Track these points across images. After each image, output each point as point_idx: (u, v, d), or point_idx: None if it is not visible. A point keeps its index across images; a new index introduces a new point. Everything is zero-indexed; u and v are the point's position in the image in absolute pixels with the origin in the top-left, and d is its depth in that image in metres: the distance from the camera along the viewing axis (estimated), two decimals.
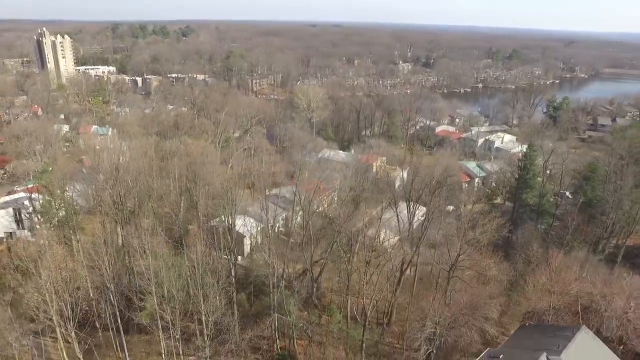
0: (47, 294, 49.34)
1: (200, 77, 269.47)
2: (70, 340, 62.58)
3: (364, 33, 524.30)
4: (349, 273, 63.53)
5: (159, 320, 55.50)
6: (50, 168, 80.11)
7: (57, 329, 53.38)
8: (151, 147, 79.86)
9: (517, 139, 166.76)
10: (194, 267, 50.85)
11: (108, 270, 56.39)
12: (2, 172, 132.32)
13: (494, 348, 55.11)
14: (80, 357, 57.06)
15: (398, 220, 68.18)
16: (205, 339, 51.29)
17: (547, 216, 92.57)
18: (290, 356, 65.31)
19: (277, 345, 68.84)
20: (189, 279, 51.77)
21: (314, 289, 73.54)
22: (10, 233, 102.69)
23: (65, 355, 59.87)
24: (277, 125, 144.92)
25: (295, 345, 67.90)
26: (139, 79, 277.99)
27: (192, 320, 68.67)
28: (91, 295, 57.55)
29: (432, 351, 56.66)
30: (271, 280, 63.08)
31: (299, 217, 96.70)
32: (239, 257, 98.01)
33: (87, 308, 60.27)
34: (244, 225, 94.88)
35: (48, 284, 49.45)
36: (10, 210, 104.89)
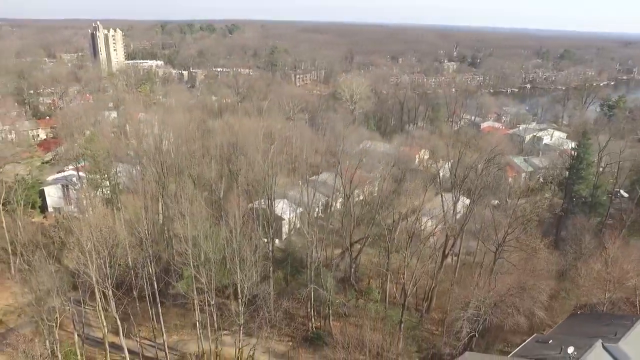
0: (87, 251, 49.85)
1: (245, 71, 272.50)
2: (108, 307, 63.61)
3: (409, 32, 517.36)
4: (389, 250, 61.39)
5: (194, 288, 55.28)
6: (96, 137, 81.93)
7: (96, 288, 53.85)
8: (194, 121, 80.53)
9: (567, 137, 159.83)
10: (232, 232, 50.23)
11: (147, 234, 56.83)
12: (54, 153, 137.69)
13: (541, 334, 51.97)
14: (118, 321, 57.61)
15: (442, 202, 65.45)
16: (240, 305, 50.48)
17: (600, 208, 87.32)
18: (325, 335, 63.91)
19: (312, 324, 67.65)
20: (225, 244, 51.19)
21: (352, 270, 71.85)
22: (59, 209, 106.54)
23: (103, 319, 60.68)
24: (319, 114, 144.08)
25: (331, 324, 66.50)
26: (185, 72, 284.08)
27: (227, 297, 68.64)
28: (129, 257, 57.88)
29: (475, 335, 53.92)
30: (309, 253, 61.80)
31: (338, 204, 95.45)
32: (277, 240, 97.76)
33: (124, 269, 60.93)
34: (283, 208, 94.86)
35: (88, 241, 50.01)
36: (59, 186, 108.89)
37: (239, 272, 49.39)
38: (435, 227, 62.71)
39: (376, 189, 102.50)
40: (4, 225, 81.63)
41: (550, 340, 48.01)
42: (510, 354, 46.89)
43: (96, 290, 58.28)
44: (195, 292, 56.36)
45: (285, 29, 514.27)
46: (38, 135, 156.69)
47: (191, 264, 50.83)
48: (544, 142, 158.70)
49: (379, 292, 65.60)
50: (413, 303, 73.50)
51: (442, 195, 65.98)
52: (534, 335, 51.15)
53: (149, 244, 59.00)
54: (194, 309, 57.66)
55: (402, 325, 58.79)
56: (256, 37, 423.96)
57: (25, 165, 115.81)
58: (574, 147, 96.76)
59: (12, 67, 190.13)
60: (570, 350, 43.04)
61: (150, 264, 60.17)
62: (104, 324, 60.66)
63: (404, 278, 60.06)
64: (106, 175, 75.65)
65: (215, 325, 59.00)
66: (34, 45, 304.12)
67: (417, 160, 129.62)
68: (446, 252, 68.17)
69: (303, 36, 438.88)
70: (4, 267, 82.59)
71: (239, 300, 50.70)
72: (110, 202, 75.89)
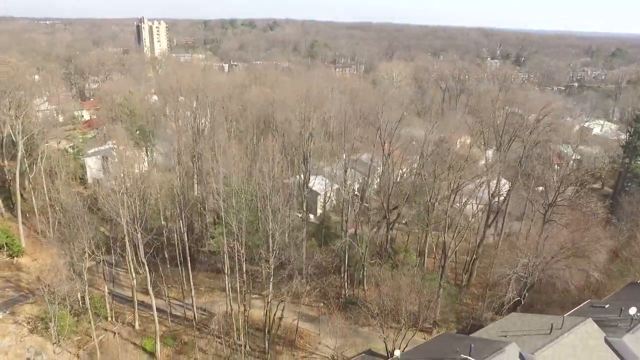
0: (118, 193, 49.13)
1: (285, 64, 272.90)
2: (140, 268, 63.39)
3: (450, 31, 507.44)
4: (430, 209, 57.96)
5: (225, 243, 53.66)
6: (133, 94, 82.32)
7: (125, 230, 53.12)
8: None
9: (619, 128, 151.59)
10: (264, 177, 48.26)
11: (180, 187, 55.94)
12: (97, 132, 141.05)
13: (596, 300, 47.53)
14: (146, 268, 56.86)
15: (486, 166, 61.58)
16: (271, 255, 48.34)
17: None
18: (358, 301, 61.15)
19: (345, 291, 65.09)
20: (257, 188, 49.26)
21: (388, 237, 68.72)
22: (98, 180, 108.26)
23: (132, 270, 60.22)
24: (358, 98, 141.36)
25: (365, 291, 63.80)
26: (226, 65, 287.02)
27: (257, 263, 67.08)
28: (160, 205, 57.11)
29: (520, 300, 49.96)
30: (343, 220, 59.42)
31: (375, 184, 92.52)
32: (311, 216, 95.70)
33: (156, 222, 60.34)
34: (319, 184, 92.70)
35: (121, 183, 49.36)
36: (99, 159, 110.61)
37: (270, 218, 47.24)
38: (480, 185, 58.63)
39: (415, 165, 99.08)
40: (45, 191, 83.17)
41: (607, 305, 43.74)
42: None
43: (126, 239, 57.86)
44: (225, 248, 54.84)
45: (326, 27, 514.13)
46: (82, 116, 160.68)
47: (222, 209, 49.13)
48: (594, 132, 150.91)
49: (417, 256, 62.31)
50: (452, 277, 69.93)
51: (486, 160, 62.03)
52: (587, 301, 46.84)
53: (181, 198, 58.26)
54: (224, 264, 56.05)
55: (441, 291, 55.36)
56: (296, 33, 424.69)
57: (69, 141, 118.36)
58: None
59: (62, 56, 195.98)
60: (633, 311, 38.90)
61: (182, 218, 59.30)
62: (133, 275, 60.16)
63: (444, 237, 56.43)
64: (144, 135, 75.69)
65: (245, 286, 57.19)
66: (83, 39, 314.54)
67: (458, 144, 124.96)
68: (489, 223, 64.20)
69: (343, 33, 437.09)
70: (46, 230, 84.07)
71: (269, 248, 48.54)
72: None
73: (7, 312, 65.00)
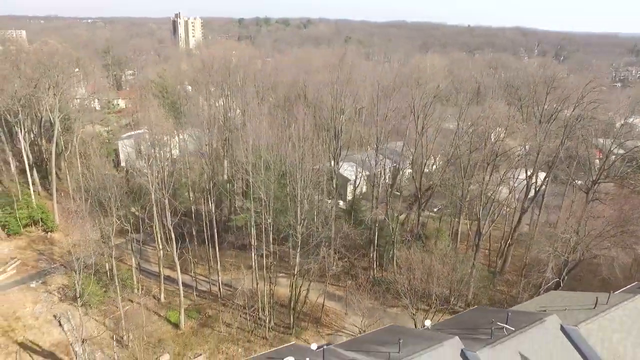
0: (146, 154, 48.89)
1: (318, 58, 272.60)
2: (168, 246, 63.41)
3: (486, 30, 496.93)
4: (465, 192, 55.67)
5: (252, 210, 52.74)
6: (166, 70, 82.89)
7: (153, 198, 52.99)
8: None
9: None
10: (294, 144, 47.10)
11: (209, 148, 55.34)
12: (131, 119, 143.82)
13: None
14: (175, 252, 56.71)
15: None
16: (298, 224, 47.06)
17: None
18: (387, 282, 59.34)
19: (374, 272, 63.34)
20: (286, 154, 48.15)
21: (419, 220, 66.55)
22: (131, 164, 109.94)
23: (159, 240, 60.20)
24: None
25: (395, 273, 61.81)
26: (259, 61, 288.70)
27: (284, 243, 66.15)
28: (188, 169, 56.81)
29: (560, 281, 47.11)
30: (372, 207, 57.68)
31: (407, 173, 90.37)
32: (341, 202, 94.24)
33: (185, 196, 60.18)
34: (349, 170, 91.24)
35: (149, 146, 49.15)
36: (132, 141, 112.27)
37: (299, 183, 45.90)
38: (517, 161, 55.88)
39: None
40: (79, 170, 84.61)
41: None
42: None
43: (155, 211, 57.88)
44: (253, 218, 54.01)
45: (360, 25, 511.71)
46: (118, 104, 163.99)
47: (250, 174, 48.22)
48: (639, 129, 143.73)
49: (449, 235, 59.97)
50: (485, 264, 67.23)
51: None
52: (634, 284, 43.64)
53: (210, 170, 57.90)
54: (251, 235, 55.19)
55: (474, 272, 52.94)
56: (330, 31, 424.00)
57: (104, 125, 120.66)
58: None
59: (101, 47, 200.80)
60: None
61: (211, 194, 59.02)
62: (160, 246, 60.17)
63: (478, 214, 53.97)
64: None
65: (271, 257, 56.16)
66: (121, 35, 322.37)
67: (492, 137, 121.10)
68: (525, 207, 61.24)
69: (377, 30, 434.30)
70: (78, 207, 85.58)
71: (297, 218, 47.29)
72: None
73: (40, 281, 66.25)
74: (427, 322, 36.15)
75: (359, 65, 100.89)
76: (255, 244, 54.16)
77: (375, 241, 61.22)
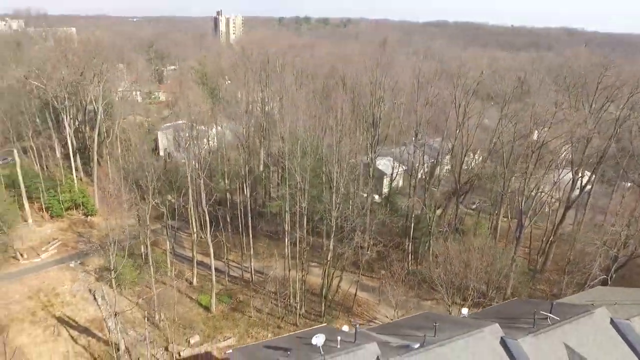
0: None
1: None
2: (202, 234, 63.86)
3: (532, 29, 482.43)
4: (506, 184, 53.34)
5: (287, 192, 52.15)
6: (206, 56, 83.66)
7: (190, 184, 53.23)
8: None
9: None
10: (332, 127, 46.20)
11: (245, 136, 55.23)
12: (171, 111, 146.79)
13: None
14: (209, 241, 56.88)
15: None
16: (333, 206, 46.04)
17: None
18: (422, 273, 57.59)
19: (408, 264, 61.70)
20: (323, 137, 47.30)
21: (457, 213, 64.41)
22: (169, 153, 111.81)
23: (193, 223, 60.57)
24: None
25: (430, 266, 60.00)
26: (298, 47, 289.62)
27: (319, 234, 65.41)
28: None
29: (608, 279, 44.34)
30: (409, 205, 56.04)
31: (445, 170, 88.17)
32: (376, 196, 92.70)
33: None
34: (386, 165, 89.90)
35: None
36: (171, 132, 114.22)
37: (335, 167, 44.93)
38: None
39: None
40: (120, 158, 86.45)
41: None
42: None
43: (190, 194, 58.24)
44: (287, 208, 53.52)
45: (400, 25, 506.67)
46: (159, 97, 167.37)
47: (286, 155, 47.64)
48: None
49: (489, 228, 57.67)
50: (526, 261, 64.46)
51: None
52: None
53: (246, 151, 57.80)
54: (285, 221, 54.63)
55: (514, 266, 50.60)
56: (369, 31, 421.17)
57: (145, 116, 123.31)
58: None
59: (145, 42, 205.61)
60: None
61: (246, 180, 58.93)
62: (194, 228, 60.49)
63: (520, 205, 51.53)
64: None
65: (304, 242, 55.47)
66: (164, 32, 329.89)
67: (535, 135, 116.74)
68: (570, 204, 58.27)
69: (417, 29, 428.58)
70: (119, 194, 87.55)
71: (333, 203, 46.32)
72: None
73: (78, 262, 67.91)
74: (464, 310, 34.54)
75: (398, 59, 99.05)
76: (289, 229, 53.53)
77: (411, 233, 59.56)
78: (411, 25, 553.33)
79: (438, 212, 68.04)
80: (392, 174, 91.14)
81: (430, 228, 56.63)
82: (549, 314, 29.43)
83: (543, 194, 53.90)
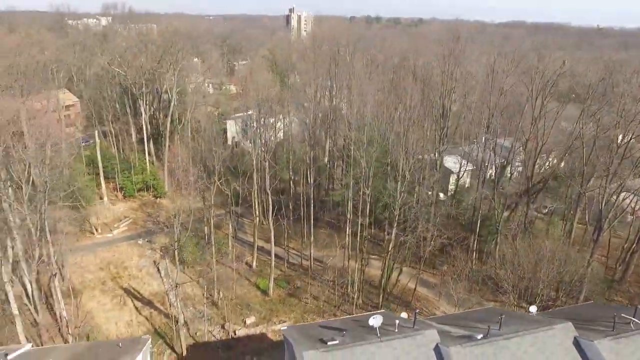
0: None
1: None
2: (264, 220, 64.57)
3: (620, 30, 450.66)
4: (585, 179, 49.54)
5: (351, 177, 51.42)
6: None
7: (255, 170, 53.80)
8: None
9: None
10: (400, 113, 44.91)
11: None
12: (240, 102, 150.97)
13: None
14: (271, 225, 57.35)
15: None
16: (399, 195, 44.75)
17: None
18: (487, 273, 54.86)
19: (472, 263, 59.03)
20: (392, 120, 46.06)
21: (527, 213, 60.62)
22: (237, 142, 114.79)
23: (256, 206, 61.32)
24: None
25: (497, 268, 57.09)
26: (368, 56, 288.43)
27: (381, 227, 64.20)
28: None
29: None
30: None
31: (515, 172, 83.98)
32: (442, 194, 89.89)
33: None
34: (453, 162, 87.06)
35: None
36: (239, 121, 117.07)
37: (402, 156, 43.59)
38: None
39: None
40: (189, 145, 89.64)
41: None
42: None
43: (255, 178, 58.96)
44: (350, 195, 52.88)
45: (475, 25, 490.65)
46: (230, 90, 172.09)
47: (352, 140, 46.95)
48: None
49: (562, 231, 53.86)
50: (602, 267, 59.68)
51: None
52: None
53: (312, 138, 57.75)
54: (348, 210, 53.99)
55: (590, 270, 46.81)
56: (441, 31, 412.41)
57: (216, 107, 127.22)
58: None
59: (219, 40, 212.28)
60: None
61: (310, 165, 58.87)
62: (257, 212, 61.26)
63: (600, 206, 47.58)
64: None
65: (365, 230, 54.54)
66: (237, 29, 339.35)
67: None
68: None
69: (492, 30, 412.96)
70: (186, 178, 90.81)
71: (397, 188, 45.01)
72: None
73: (146, 240, 70.89)
74: (532, 308, 32.24)
75: (472, 53, 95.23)
76: (351, 217, 52.84)
77: (477, 229, 56.89)
78: (486, 25, 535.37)
79: (506, 214, 64.72)
80: (459, 172, 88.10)
81: (498, 225, 53.71)
82: (633, 319, 26.71)
83: (626, 199, 49.49)
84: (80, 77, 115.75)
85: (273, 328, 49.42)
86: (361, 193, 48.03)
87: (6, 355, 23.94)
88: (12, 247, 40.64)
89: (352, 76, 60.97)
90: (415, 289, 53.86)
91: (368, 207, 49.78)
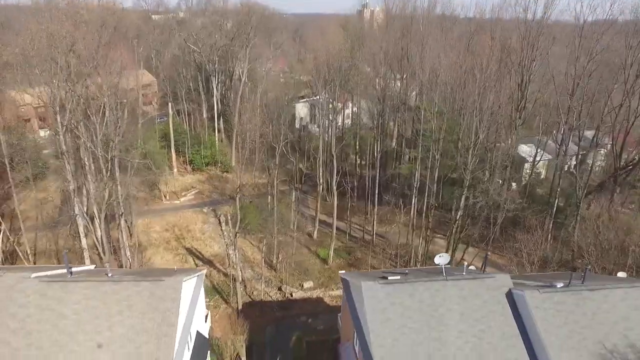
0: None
1: None
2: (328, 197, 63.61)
3: None
4: None
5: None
6: None
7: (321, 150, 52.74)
8: None
9: None
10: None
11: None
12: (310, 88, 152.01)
13: None
14: (334, 198, 56.32)
15: None
16: (470, 159, 41.99)
17: None
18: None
19: (547, 244, 54.51)
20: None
21: (612, 199, 55.08)
22: (304, 126, 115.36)
23: (320, 175, 60.49)
24: None
25: (575, 249, 52.45)
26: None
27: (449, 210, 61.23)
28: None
29: None
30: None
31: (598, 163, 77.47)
32: (514, 184, 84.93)
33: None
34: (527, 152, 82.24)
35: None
36: (307, 105, 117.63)
37: (477, 118, 40.75)
38: None
39: None
40: (258, 123, 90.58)
41: None
42: None
43: (320, 160, 57.99)
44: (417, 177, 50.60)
45: None
46: (300, 78, 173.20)
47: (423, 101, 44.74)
48: None
49: None
50: None
51: None
52: None
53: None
54: (414, 186, 51.78)
55: None
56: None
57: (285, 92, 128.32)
58: None
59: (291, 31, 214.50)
60: None
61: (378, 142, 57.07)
62: (321, 188, 60.28)
63: None
64: None
65: (432, 205, 52.01)
66: (310, 21, 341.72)
67: None
68: None
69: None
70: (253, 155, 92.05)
71: (470, 153, 42.25)
72: None
73: (211, 208, 72.14)
74: (621, 274, 28.64)
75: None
76: (418, 187, 50.61)
77: (554, 210, 52.50)
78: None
79: (586, 204, 59.48)
80: (534, 160, 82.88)
81: (579, 203, 49.05)
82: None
83: None
84: (159, 57, 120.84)
85: (330, 293, 48.17)
86: (430, 156, 45.48)
87: (71, 267, 24.34)
88: (84, 185, 42.34)
89: (425, 41, 57.96)
90: (483, 268, 50.41)
91: (437, 173, 47.09)
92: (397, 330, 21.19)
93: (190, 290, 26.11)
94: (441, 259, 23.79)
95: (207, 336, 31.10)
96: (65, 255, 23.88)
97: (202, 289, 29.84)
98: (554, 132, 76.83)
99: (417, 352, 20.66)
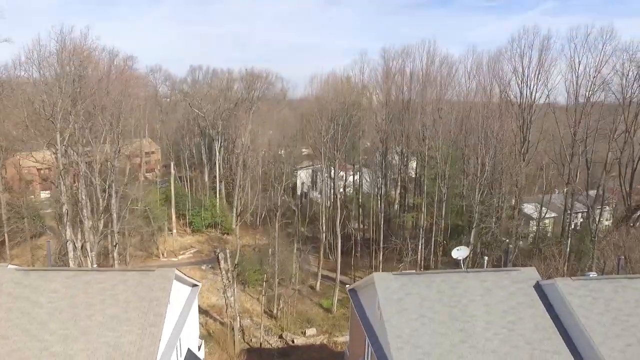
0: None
1: None
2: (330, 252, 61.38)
3: None
4: None
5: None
6: None
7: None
8: None
9: None
10: None
11: None
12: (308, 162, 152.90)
13: None
14: (338, 260, 54.14)
15: None
16: (478, 183, 40.47)
17: None
18: None
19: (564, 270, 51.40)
20: None
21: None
22: (305, 192, 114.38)
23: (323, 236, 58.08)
24: None
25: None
26: None
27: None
28: None
29: None
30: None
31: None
32: (520, 243, 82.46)
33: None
34: None
35: None
36: (310, 172, 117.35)
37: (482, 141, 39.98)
38: None
39: None
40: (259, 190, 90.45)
41: None
42: None
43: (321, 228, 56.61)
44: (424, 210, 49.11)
45: None
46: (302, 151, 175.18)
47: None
48: None
49: None
50: None
51: None
52: None
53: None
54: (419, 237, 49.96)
55: None
56: None
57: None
58: None
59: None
60: None
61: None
62: (324, 248, 58.17)
63: None
64: None
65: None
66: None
67: None
68: None
69: None
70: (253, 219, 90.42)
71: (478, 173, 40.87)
72: None
73: (209, 266, 69.45)
74: None
75: None
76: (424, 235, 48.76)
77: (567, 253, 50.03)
78: None
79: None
80: (538, 219, 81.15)
81: (593, 238, 46.72)
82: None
83: None
84: (164, 129, 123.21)
85: (335, 340, 44.46)
86: (436, 190, 44.03)
87: (52, 257, 22.20)
88: (80, 220, 40.68)
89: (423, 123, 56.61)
90: (504, 263, 47.12)
91: (444, 210, 45.39)
92: (415, 320, 18.62)
93: (183, 298, 23.71)
94: (459, 253, 21.67)
95: (200, 358, 27.87)
96: (48, 243, 21.89)
97: (196, 305, 27.21)
98: (557, 191, 76.35)
99: (440, 343, 17.96)
